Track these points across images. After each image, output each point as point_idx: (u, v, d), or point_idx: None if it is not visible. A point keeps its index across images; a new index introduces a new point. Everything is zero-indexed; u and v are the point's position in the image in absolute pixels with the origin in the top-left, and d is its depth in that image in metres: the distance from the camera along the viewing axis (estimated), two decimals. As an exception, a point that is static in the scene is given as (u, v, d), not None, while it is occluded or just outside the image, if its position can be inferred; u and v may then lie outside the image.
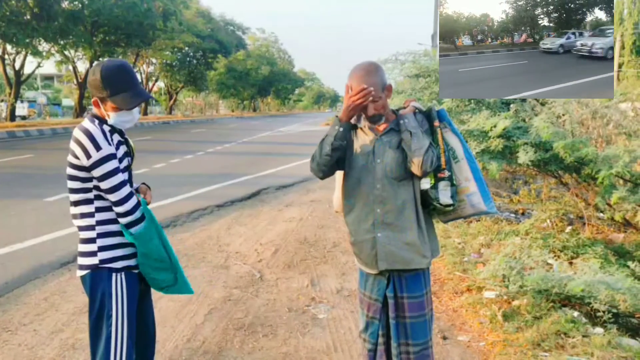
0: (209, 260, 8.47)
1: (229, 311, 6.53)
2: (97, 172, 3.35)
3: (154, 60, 52.91)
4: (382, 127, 3.75)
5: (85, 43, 37.73)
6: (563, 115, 9.27)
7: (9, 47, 37.61)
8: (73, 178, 3.46)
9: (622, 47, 47.05)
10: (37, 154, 22.29)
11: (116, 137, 3.52)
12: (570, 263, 7.54)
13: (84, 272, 3.53)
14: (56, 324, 6.18)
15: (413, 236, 3.66)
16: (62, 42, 37.07)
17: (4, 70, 40.39)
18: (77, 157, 3.38)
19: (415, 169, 3.54)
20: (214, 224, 10.90)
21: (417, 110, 3.74)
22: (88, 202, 3.47)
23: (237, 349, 5.65)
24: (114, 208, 3.44)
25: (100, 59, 44.45)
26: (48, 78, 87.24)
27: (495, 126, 8.33)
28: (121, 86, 3.48)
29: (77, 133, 3.41)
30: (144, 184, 3.89)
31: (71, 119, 48.60)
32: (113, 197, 3.39)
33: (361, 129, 3.83)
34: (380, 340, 3.85)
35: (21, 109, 53.47)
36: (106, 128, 3.46)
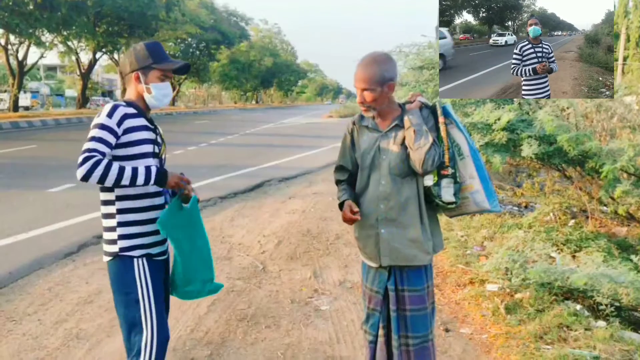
0: (212, 252, 8.47)
1: (232, 302, 6.56)
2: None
3: None
4: (386, 123, 3.76)
5: (88, 34, 37.63)
6: (567, 108, 9.27)
7: (12, 37, 37.60)
8: None
9: (627, 40, 46.88)
10: (40, 145, 22.34)
11: (139, 121, 3.54)
12: (573, 256, 7.55)
13: (107, 259, 3.57)
14: (60, 313, 6.22)
15: (416, 233, 3.67)
16: (65, 33, 37.01)
17: (7, 60, 40.38)
18: None
19: (417, 167, 3.56)
20: (217, 216, 10.92)
21: (423, 106, 3.74)
22: (109, 189, 3.50)
23: (240, 339, 5.68)
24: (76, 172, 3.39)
25: (104, 49, 44.26)
26: (51, 69, 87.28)
27: (499, 119, 8.33)
28: (164, 54, 3.63)
29: None
30: (182, 173, 3.75)
31: (74, 110, 48.61)
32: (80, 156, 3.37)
33: (366, 127, 3.84)
34: (381, 332, 3.87)
35: (24, 100, 53.53)
36: (128, 110, 3.51)
